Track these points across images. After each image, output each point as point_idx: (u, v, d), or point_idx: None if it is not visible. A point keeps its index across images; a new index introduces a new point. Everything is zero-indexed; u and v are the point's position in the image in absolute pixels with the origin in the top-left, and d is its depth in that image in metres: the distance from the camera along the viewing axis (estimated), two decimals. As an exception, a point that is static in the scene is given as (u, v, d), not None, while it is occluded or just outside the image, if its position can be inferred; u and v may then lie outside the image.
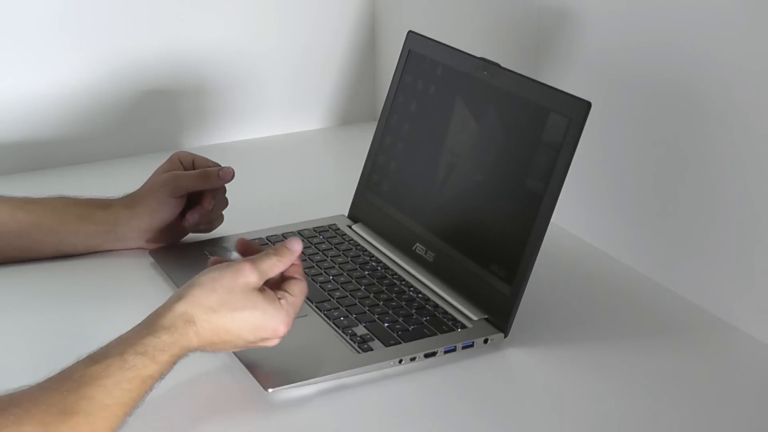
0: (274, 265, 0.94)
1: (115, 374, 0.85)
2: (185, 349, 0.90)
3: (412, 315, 1.07)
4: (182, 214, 1.21)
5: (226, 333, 0.91)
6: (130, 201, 1.21)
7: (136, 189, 1.23)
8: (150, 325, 0.89)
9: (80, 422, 0.82)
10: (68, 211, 1.18)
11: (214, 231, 1.26)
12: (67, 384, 0.84)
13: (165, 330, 0.89)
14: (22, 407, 0.81)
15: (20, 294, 1.15)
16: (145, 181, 1.24)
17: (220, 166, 1.23)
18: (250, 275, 0.92)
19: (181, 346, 0.89)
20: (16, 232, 1.17)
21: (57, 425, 0.81)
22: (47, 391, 0.83)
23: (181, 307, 0.90)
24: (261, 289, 0.93)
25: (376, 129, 1.27)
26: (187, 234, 1.25)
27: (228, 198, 1.25)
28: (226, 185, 1.24)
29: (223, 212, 1.26)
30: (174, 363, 0.90)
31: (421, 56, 1.22)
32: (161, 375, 0.89)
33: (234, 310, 0.91)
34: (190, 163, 1.23)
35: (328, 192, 1.44)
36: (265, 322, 0.92)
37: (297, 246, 0.95)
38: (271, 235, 1.25)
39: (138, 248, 1.22)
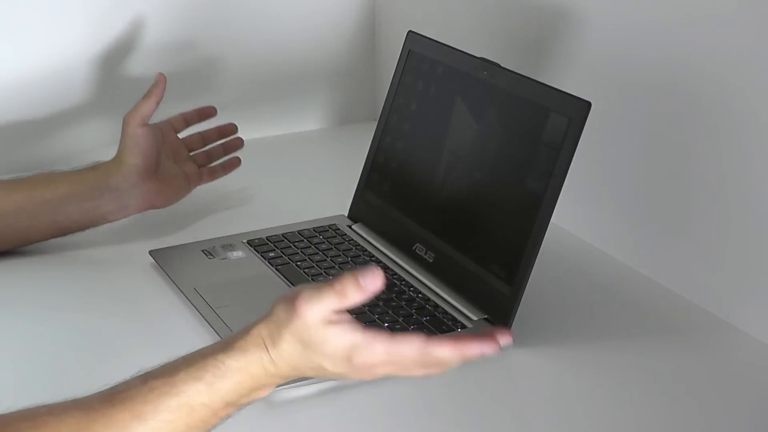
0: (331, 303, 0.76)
1: (158, 400, 0.74)
2: (256, 378, 0.77)
3: (412, 315, 1.07)
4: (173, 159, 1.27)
5: (307, 361, 0.78)
6: (113, 158, 1.23)
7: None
8: (222, 344, 0.77)
9: None
10: (58, 178, 1.20)
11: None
12: (104, 404, 0.74)
13: (236, 350, 0.76)
14: (56, 417, 0.73)
15: (17, 294, 1.15)
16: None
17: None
18: (307, 315, 0.76)
19: (251, 373, 0.76)
20: (13, 212, 1.17)
21: None
22: (83, 409, 0.74)
23: (261, 329, 0.77)
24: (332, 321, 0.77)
25: (376, 129, 1.27)
26: (190, 189, 1.26)
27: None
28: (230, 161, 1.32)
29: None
30: (238, 396, 0.77)
31: (421, 56, 1.22)
32: (220, 409, 0.76)
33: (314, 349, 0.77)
34: (180, 123, 1.30)
35: (328, 192, 1.44)
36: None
37: (371, 282, 0.75)
38: (271, 235, 1.25)
39: (138, 212, 1.23)
